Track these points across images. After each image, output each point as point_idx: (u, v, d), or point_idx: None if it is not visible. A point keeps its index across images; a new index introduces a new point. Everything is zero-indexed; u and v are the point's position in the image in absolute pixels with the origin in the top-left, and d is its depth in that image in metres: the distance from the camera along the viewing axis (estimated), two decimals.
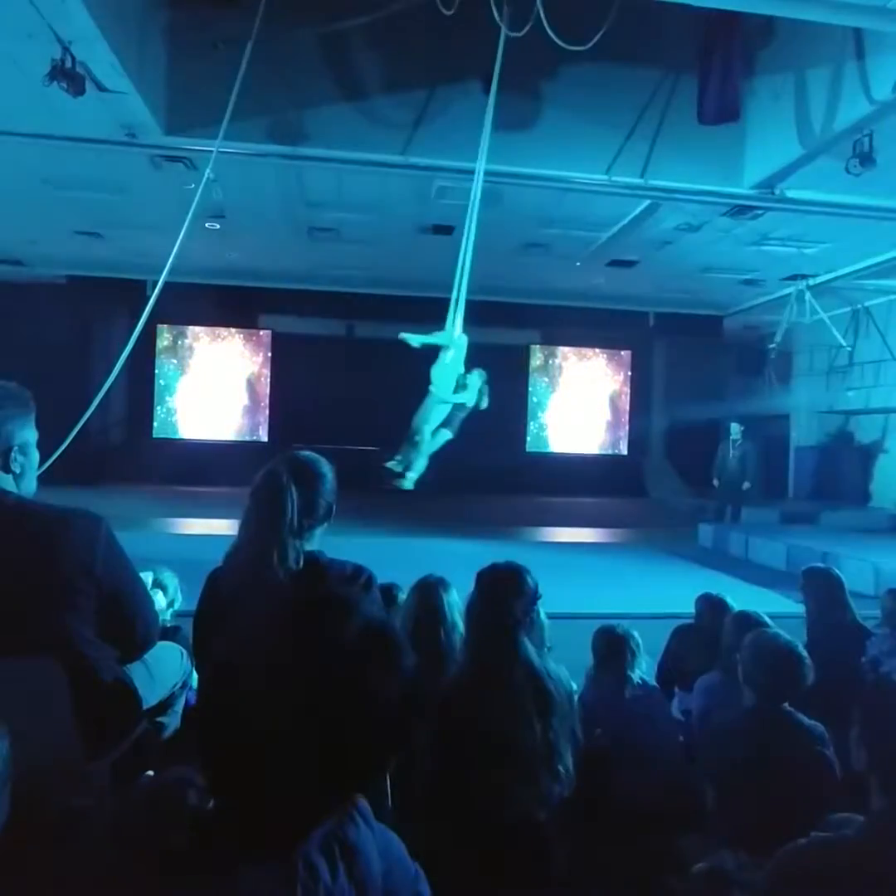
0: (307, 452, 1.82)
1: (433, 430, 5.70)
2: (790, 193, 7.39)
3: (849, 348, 12.14)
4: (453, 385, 5.58)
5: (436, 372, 5.57)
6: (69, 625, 1.61)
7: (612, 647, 2.69)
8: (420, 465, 5.77)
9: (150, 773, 1.78)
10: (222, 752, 0.72)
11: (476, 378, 5.82)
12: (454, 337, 5.42)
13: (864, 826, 1.36)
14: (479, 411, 5.93)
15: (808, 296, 11.08)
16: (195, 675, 2.49)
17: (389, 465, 5.80)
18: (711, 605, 3.31)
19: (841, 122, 6.02)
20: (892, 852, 1.29)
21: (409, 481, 5.81)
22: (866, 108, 5.71)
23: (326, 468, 1.80)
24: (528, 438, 16.32)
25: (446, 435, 5.84)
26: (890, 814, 1.35)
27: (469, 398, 5.78)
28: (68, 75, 5.08)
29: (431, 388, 5.66)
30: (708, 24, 6.11)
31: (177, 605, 3.35)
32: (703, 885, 1.39)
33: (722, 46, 6.12)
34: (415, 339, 5.60)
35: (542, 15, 4.96)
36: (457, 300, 5.45)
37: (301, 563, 1.62)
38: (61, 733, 1.55)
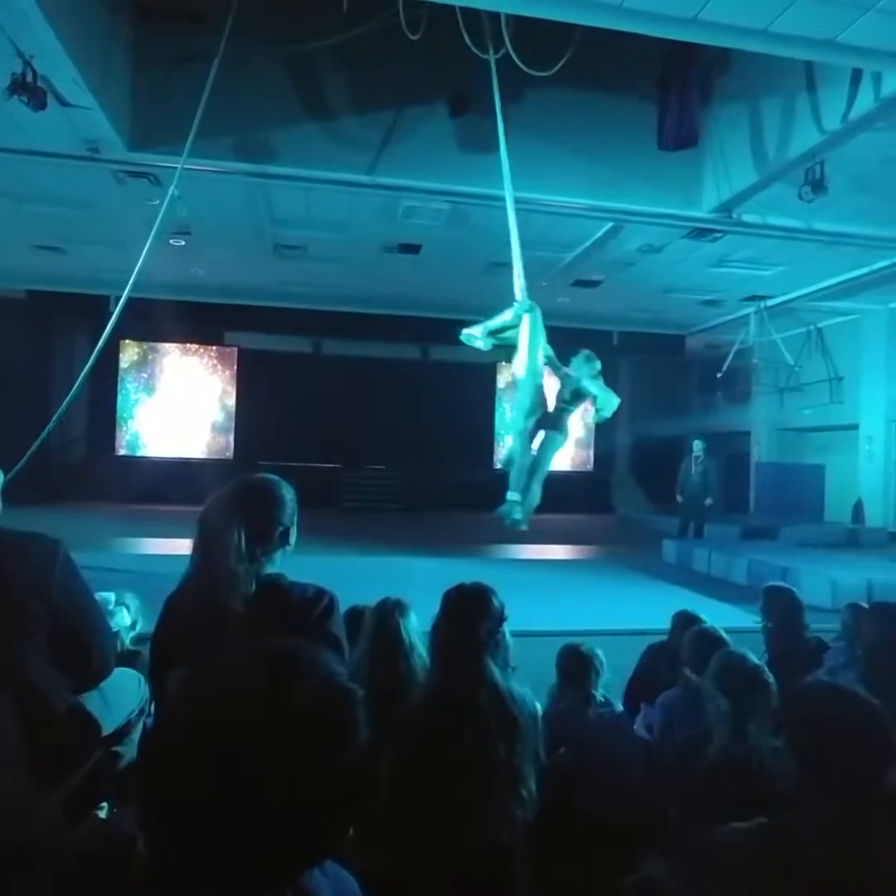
0: (261, 475, 1.78)
1: (528, 430, 4.31)
2: (747, 217, 7.64)
3: (798, 368, 12.52)
4: (541, 364, 4.32)
5: (517, 360, 4.34)
6: (20, 652, 1.57)
7: (576, 665, 2.70)
8: (532, 490, 4.33)
9: (104, 804, 1.74)
10: (164, 803, 0.69)
11: (581, 361, 4.50)
12: (527, 304, 4.36)
13: (797, 817, 1.38)
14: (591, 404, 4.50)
15: (756, 318, 11.45)
16: (154, 704, 2.44)
17: (505, 506, 4.31)
18: (685, 623, 3.32)
19: (794, 151, 6.25)
20: (821, 842, 1.32)
21: (517, 509, 4.29)
22: (817, 138, 5.95)
23: (282, 490, 1.75)
24: (502, 455, 16.41)
25: (558, 440, 4.45)
26: (819, 805, 1.37)
27: (575, 381, 4.45)
28: (29, 89, 5.03)
29: (515, 379, 4.38)
30: (667, 53, 6.30)
31: (138, 628, 3.28)
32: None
33: (680, 75, 6.33)
34: (481, 332, 4.41)
35: (507, 42, 5.07)
36: (515, 265, 4.61)
37: (254, 588, 1.60)
38: (8, 763, 1.50)
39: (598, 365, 4.54)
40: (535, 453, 4.38)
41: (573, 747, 2.47)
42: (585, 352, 4.59)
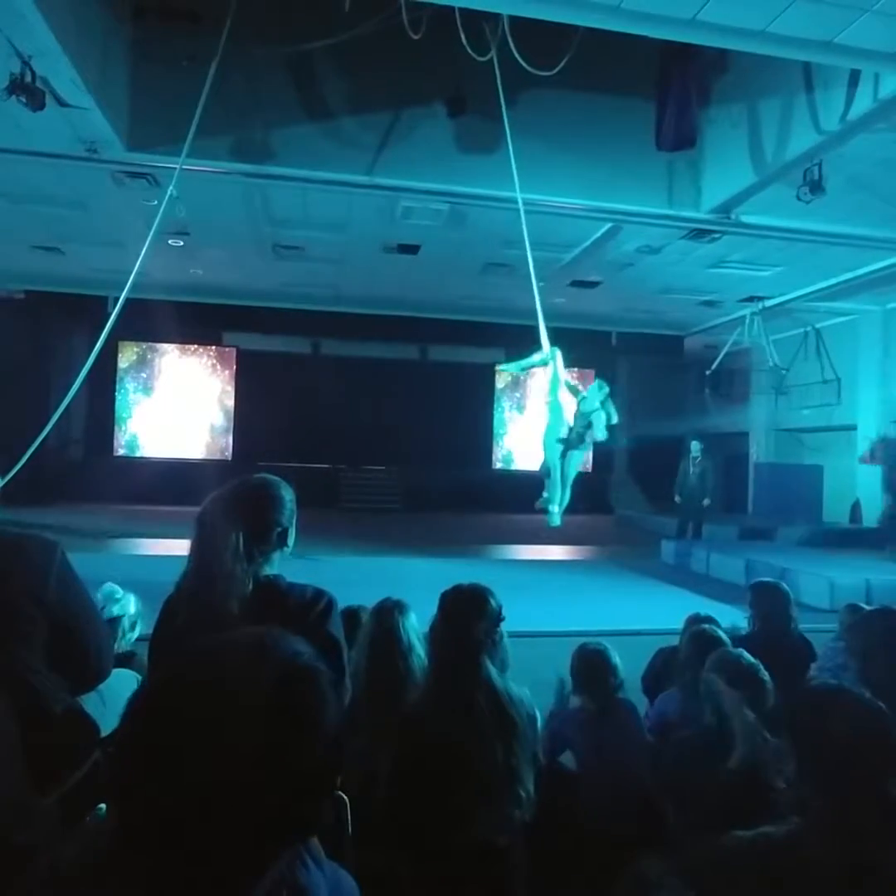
0: (260, 476, 1.77)
1: (558, 449, 5.47)
2: (745, 218, 7.64)
3: (785, 371, 12.51)
4: (563, 398, 5.53)
5: (546, 395, 5.59)
6: (17, 653, 1.56)
7: (592, 666, 2.67)
8: (564, 496, 5.54)
9: (103, 806, 1.73)
10: (142, 799, 0.69)
11: (595, 388, 5.64)
12: (548, 350, 5.59)
13: (801, 824, 1.37)
14: (609, 426, 5.60)
15: (754, 318, 11.45)
16: None
17: (539, 503, 5.64)
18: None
19: (792, 151, 6.26)
20: (826, 848, 1.31)
21: (556, 516, 5.53)
22: (815, 139, 5.96)
23: (281, 491, 1.73)
24: (500, 456, 16.50)
25: (579, 456, 5.66)
26: (824, 811, 1.36)
27: (588, 406, 5.56)
28: (27, 90, 5.02)
29: (547, 406, 5.58)
30: (664, 54, 6.30)
31: (138, 630, 3.27)
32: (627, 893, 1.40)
33: (678, 76, 6.32)
34: (516, 367, 6.08)
35: (510, 42, 5.09)
36: (538, 317, 5.73)
37: (251, 589, 1.59)
38: (6, 765, 1.50)
39: (607, 389, 5.68)
40: (563, 467, 5.54)
41: (583, 750, 2.46)
42: (598, 380, 5.82)
